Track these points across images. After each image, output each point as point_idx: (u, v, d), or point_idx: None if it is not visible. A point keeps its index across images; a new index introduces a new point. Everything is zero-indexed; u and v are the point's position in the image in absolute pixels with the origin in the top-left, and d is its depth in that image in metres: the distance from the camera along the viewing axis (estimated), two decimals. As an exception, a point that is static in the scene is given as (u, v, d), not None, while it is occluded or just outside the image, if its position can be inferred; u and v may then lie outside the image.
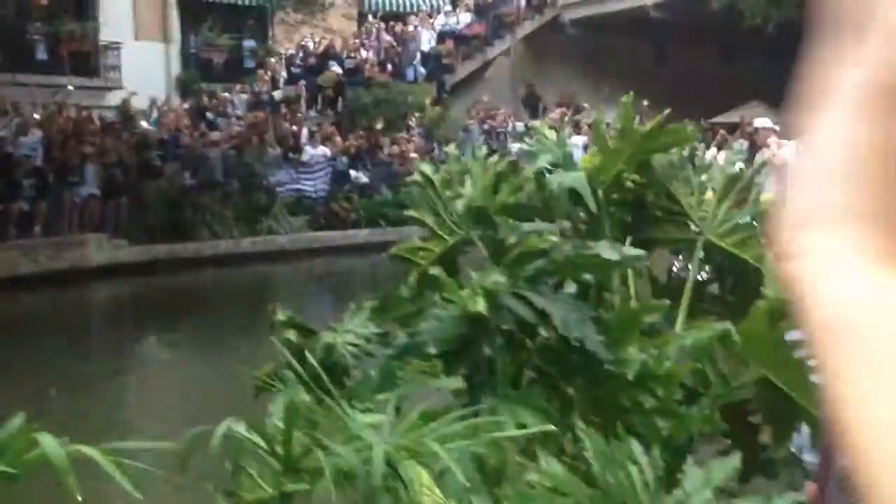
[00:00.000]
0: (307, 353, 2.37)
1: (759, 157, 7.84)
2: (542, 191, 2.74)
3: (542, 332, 2.18)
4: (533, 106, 24.06)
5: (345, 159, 19.43)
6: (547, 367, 2.14)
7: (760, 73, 20.98)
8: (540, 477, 1.62)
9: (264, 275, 15.83)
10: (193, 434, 1.82)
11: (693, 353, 2.14)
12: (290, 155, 18.73)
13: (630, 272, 2.53)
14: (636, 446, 1.75)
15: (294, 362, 2.16)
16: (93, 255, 14.80)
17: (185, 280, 14.72)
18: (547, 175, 2.74)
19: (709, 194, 2.66)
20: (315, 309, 14.01)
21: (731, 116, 18.93)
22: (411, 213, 2.75)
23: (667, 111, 2.67)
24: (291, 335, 2.50)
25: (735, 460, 1.69)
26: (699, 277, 2.65)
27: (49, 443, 1.70)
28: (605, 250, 2.20)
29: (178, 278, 14.71)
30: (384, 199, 18.87)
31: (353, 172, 19.32)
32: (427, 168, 3.05)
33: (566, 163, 2.84)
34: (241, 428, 1.90)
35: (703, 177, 2.66)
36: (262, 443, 1.72)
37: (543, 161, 2.82)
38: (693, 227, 2.63)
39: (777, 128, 10.48)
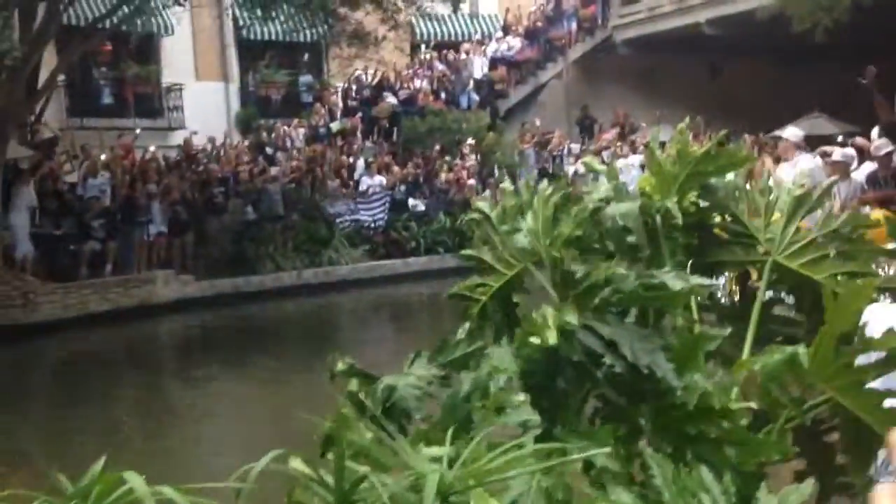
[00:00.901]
0: (366, 399, 2.41)
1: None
2: (598, 226, 2.74)
3: (608, 361, 2.19)
4: (587, 127, 24.02)
5: (402, 188, 19.63)
6: (614, 397, 2.15)
7: (819, 82, 20.66)
8: None
9: (326, 305, 16.03)
10: (245, 469, 1.87)
11: (762, 378, 2.14)
12: (348, 186, 19.00)
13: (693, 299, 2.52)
14: (706, 474, 1.74)
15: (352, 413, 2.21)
16: (161, 291, 15.18)
17: (249, 313, 15.00)
18: (602, 208, 2.75)
19: (776, 215, 2.63)
20: (377, 335, 14.16)
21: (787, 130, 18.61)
22: (469, 251, 2.78)
23: (723, 132, 2.66)
24: (353, 385, 2.53)
25: (809, 486, 1.68)
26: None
27: (136, 482, 1.74)
28: (671, 279, 2.21)
29: (242, 311, 15.00)
30: (442, 226, 18.99)
31: (410, 201, 19.49)
32: (483, 204, 3.09)
33: (618, 195, 2.83)
34: (296, 462, 1.95)
35: (770, 197, 2.63)
36: (314, 475, 1.76)
37: (598, 195, 2.83)
38: (760, 248, 2.60)
39: (798, 140, 9.98)
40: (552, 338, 1.99)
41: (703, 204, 2.76)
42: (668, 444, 2.18)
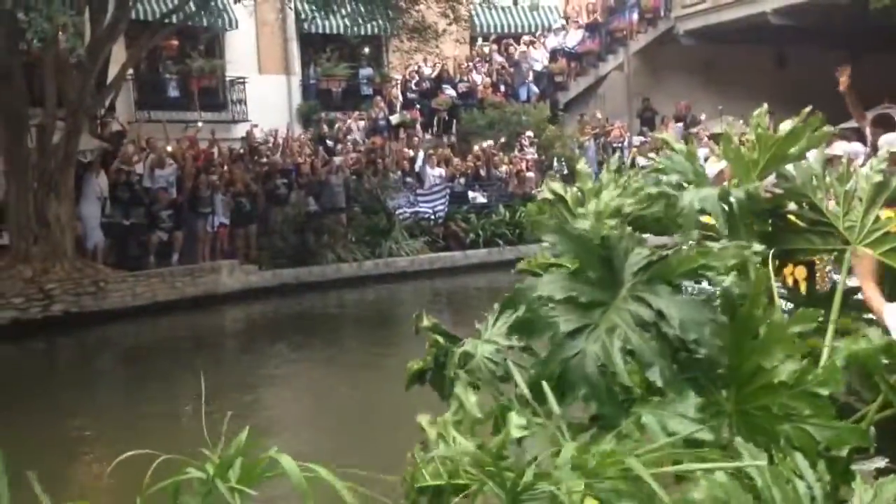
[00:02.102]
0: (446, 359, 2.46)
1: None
2: (671, 208, 2.71)
3: (662, 329, 2.16)
4: (648, 119, 23.75)
5: (462, 180, 19.66)
6: (702, 379, 2.13)
7: (889, 72, 20.08)
8: (707, 485, 1.60)
9: (387, 296, 16.17)
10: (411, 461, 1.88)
11: (852, 365, 2.11)
12: (408, 178, 19.10)
13: (773, 285, 2.49)
14: (801, 459, 1.71)
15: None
16: (225, 280, 15.47)
17: (311, 303, 15.21)
18: (677, 192, 2.72)
19: (854, 203, 2.58)
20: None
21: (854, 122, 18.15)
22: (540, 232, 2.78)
23: (807, 109, 2.61)
24: (439, 339, 2.59)
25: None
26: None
27: (288, 463, 1.72)
28: (725, 248, 2.19)
29: (304, 301, 15.21)
30: (501, 219, 18.99)
31: (470, 193, 19.53)
32: (557, 185, 3.07)
33: (698, 179, 2.80)
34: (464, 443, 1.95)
35: (848, 185, 2.58)
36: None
37: (673, 178, 2.79)
38: (839, 237, 2.56)
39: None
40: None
41: (778, 191, 2.72)
42: (753, 428, 2.16)
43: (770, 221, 2.69)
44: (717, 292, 2.27)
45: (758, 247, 2.25)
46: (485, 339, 2.61)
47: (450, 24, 17.95)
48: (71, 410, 9.24)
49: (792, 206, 2.68)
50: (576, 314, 2.13)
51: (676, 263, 2.17)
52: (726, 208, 2.64)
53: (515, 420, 1.88)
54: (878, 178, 2.52)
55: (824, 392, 2.06)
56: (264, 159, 18.44)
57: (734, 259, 2.19)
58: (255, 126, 19.87)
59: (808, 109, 2.62)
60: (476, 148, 20.53)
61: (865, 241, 2.46)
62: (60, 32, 10.93)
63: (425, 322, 2.51)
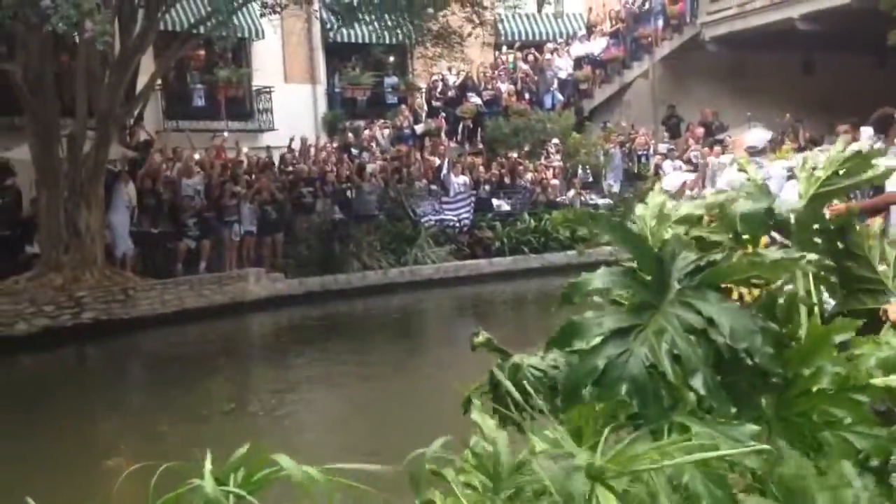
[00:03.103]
0: (499, 374, 2.46)
1: None
2: (726, 221, 2.70)
3: (711, 336, 2.16)
4: (674, 126, 23.66)
5: (487, 188, 19.69)
6: (744, 385, 2.12)
7: (919, 80, 19.87)
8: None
9: (412, 303, 16.20)
10: (412, 456, 1.91)
11: (890, 367, 2.10)
12: (433, 186, 19.14)
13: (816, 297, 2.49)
14: (848, 468, 1.69)
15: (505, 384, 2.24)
16: (252, 288, 15.57)
17: (337, 310, 15.27)
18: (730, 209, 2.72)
19: None
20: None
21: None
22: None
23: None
24: (497, 357, 2.57)
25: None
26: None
27: (287, 463, 1.76)
28: (773, 254, 2.19)
29: (330, 309, 15.28)
30: (527, 227, 18.98)
31: (495, 201, 19.54)
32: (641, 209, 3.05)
33: (756, 195, 2.79)
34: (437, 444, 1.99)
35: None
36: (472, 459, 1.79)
37: (726, 195, 2.80)
38: (889, 296, 2.62)
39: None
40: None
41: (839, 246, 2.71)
42: (793, 435, 2.15)
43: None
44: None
45: (811, 256, 2.24)
46: (533, 353, 2.61)
47: (474, 28, 17.99)
48: (101, 416, 9.35)
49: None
50: (625, 313, 2.13)
51: (727, 270, 2.16)
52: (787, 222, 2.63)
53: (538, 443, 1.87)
54: None
55: (864, 398, 2.04)
56: (290, 168, 18.57)
57: (787, 271, 2.19)
58: (275, 132, 20.00)
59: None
60: (501, 158, 20.56)
61: None
62: (88, 21, 10.94)
63: (480, 338, 2.50)
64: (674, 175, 9.42)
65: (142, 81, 16.07)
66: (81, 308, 13.54)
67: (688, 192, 8.59)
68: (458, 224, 18.65)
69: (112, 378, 11.41)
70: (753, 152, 7.60)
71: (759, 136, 7.78)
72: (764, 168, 7.33)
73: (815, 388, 2.11)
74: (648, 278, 2.14)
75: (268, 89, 21.41)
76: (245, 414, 8.88)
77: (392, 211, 18.10)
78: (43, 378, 11.35)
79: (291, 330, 14.48)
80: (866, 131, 7.65)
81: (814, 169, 2.61)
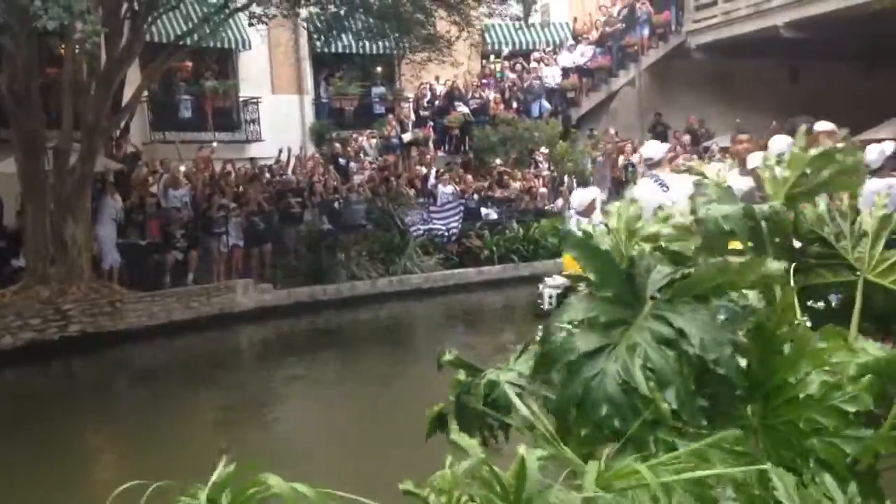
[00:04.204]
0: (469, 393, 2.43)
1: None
2: (699, 228, 2.75)
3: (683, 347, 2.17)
4: (661, 134, 23.73)
5: (475, 197, 19.70)
6: (726, 393, 2.13)
7: (903, 86, 20.02)
8: None
9: (401, 313, 16.17)
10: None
11: (873, 372, 2.10)
12: (422, 196, 19.15)
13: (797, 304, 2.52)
14: (830, 482, 1.69)
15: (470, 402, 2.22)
16: (240, 299, 15.51)
17: (326, 320, 15.22)
18: (702, 213, 2.76)
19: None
20: (451, 342, 14.23)
21: (880, 132, 18.09)
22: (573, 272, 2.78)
23: (844, 131, 2.69)
24: (461, 375, 2.56)
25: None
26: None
27: (277, 483, 1.73)
28: (740, 260, 2.22)
29: (319, 319, 15.23)
30: (515, 235, 18.99)
31: (483, 210, 19.55)
32: (587, 226, 3.12)
33: (723, 197, 2.84)
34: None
35: (855, 223, 2.71)
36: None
37: (703, 200, 2.83)
38: (848, 270, 2.70)
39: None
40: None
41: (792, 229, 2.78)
42: (779, 443, 2.16)
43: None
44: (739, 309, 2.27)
45: (778, 264, 2.27)
46: (508, 368, 2.60)
47: (461, 32, 18.01)
48: (87, 431, 9.28)
49: (795, 243, 2.77)
50: (595, 334, 2.15)
51: (697, 280, 2.19)
52: (753, 228, 2.67)
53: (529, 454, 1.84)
54: (882, 212, 2.64)
55: (852, 409, 2.05)
56: (277, 178, 18.54)
57: (755, 275, 2.21)
58: (262, 142, 19.96)
59: (845, 131, 2.75)
60: (490, 166, 20.59)
61: (875, 271, 2.58)
62: (78, 22, 10.87)
63: (447, 356, 2.48)
64: (580, 191, 9.32)
65: (128, 93, 16.03)
66: (68, 321, 13.46)
67: (598, 209, 8.43)
68: (446, 233, 18.65)
69: (99, 391, 11.33)
70: (651, 164, 7.48)
71: (655, 148, 7.67)
72: (663, 181, 7.22)
73: (801, 396, 2.12)
74: (612, 292, 2.15)
75: (255, 100, 21.40)
76: (233, 426, 8.83)
77: (380, 221, 18.09)
78: (29, 392, 11.26)
79: (280, 341, 14.42)
80: (784, 139, 7.62)
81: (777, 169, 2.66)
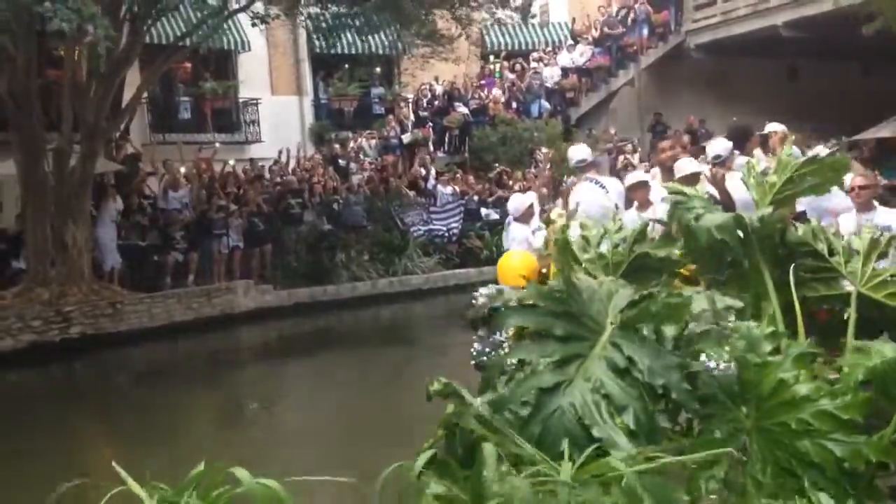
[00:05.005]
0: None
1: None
2: (693, 241, 2.80)
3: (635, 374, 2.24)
4: (660, 133, 23.73)
5: (475, 197, 19.70)
6: (721, 397, 2.17)
7: (902, 86, 20.02)
8: None
9: (402, 313, 16.19)
10: (386, 473, 1.91)
11: (867, 380, 2.13)
12: (422, 196, 19.16)
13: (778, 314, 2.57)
14: (827, 500, 1.73)
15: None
16: (241, 300, 15.53)
17: (326, 321, 15.24)
18: (695, 222, 2.80)
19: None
20: (450, 341, 14.24)
21: (880, 131, 18.09)
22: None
23: (832, 142, 2.77)
24: (450, 408, 2.52)
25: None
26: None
27: (242, 474, 1.79)
28: (698, 301, 2.29)
29: (320, 320, 15.25)
30: (515, 235, 18.99)
31: (483, 210, 19.56)
32: (564, 235, 3.17)
33: (708, 207, 2.92)
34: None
35: (844, 241, 2.83)
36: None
37: (690, 214, 2.89)
38: (843, 283, 2.82)
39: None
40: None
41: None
42: (772, 444, 2.18)
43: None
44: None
45: (729, 301, 2.39)
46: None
47: (461, 33, 18.02)
48: (86, 432, 9.29)
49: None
50: (549, 372, 2.22)
51: (649, 312, 2.27)
52: (741, 235, 2.71)
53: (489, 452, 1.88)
54: (874, 234, 2.79)
55: (845, 416, 2.08)
56: (277, 179, 18.55)
57: (704, 307, 2.32)
58: (263, 144, 19.95)
59: (833, 143, 2.85)
60: (488, 165, 20.59)
61: (868, 285, 2.70)
62: (89, 25, 10.89)
63: (435, 385, 2.48)
64: (517, 196, 9.05)
65: (128, 95, 16.04)
66: (69, 323, 13.47)
67: (536, 215, 8.24)
68: (446, 234, 18.66)
69: (99, 393, 11.34)
70: (583, 166, 7.41)
71: (583, 151, 7.59)
72: (601, 182, 7.19)
73: (796, 397, 2.14)
74: (560, 332, 2.22)
75: (254, 101, 21.41)
76: (234, 426, 8.86)
77: (380, 221, 18.10)
78: (29, 394, 11.27)
79: (281, 342, 14.44)
80: (721, 142, 7.59)
81: (765, 175, 2.70)
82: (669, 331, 2.35)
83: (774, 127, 8.10)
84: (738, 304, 2.47)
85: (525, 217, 8.08)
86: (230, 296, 15.49)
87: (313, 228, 17.23)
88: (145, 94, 17.88)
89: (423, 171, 19.95)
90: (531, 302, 2.48)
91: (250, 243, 16.48)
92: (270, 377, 11.56)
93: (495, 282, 6.81)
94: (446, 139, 22.22)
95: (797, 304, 2.51)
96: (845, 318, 2.64)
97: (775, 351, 2.34)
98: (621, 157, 21.48)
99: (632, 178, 7.07)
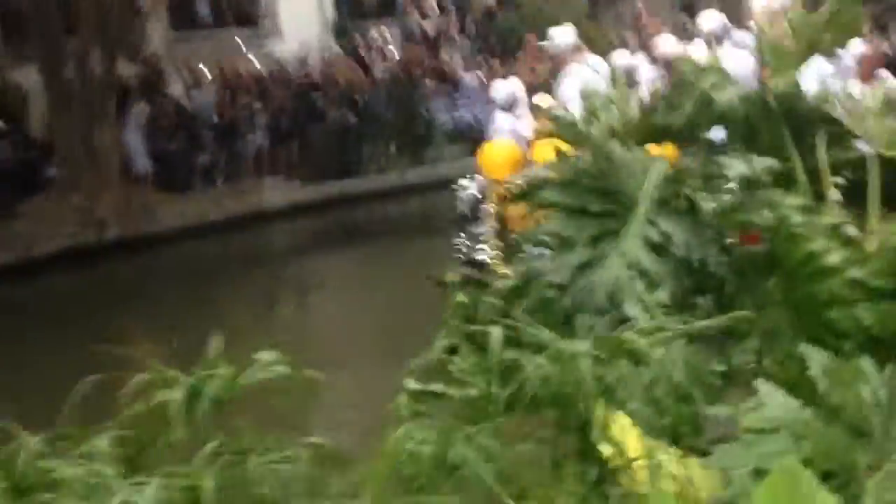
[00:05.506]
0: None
1: None
2: (708, 108, 2.73)
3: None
4: (694, 11, 22.93)
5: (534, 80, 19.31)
6: (751, 270, 2.16)
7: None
8: (749, 419, 1.61)
9: (430, 204, 16.18)
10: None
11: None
12: (446, 85, 18.85)
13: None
14: (867, 364, 1.68)
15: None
16: (270, 197, 15.61)
17: (357, 215, 15.33)
18: (715, 94, 2.72)
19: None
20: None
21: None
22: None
23: None
24: (461, 297, 2.51)
25: None
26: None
27: (270, 358, 1.79)
28: (736, 164, 2.23)
29: (350, 213, 15.33)
30: (544, 120, 18.75)
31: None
32: (563, 112, 3.08)
33: (728, 81, 2.82)
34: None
35: (856, 102, 2.69)
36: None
37: (706, 83, 2.80)
38: (859, 145, 2.71)
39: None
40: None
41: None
42: (802, 314, 2.17)
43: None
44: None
45: (765, 161, 2.31)
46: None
47: None
48: (129, 333, 9.52)
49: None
50: (584, 249, 2.18)
51: (691, 182, 2.22)
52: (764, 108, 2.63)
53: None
54: (884, 91, 2.67)
55: (874, 283, 2.05)
56: (300, 74, 18.31)
57: (742, 170, 2.25)
58: (282, 38, 19.58)
59: None
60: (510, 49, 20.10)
61: (886, 145, 2.60)
62: None
63: (449, 276, 2.45)
64: (501, 82, 8.51)
65: (145, -6, 15.79)
66: (103, 227, 13.66)
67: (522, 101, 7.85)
68: (473, 121, 18.42)
69: (140, 294, 11.59)
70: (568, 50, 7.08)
71: (567, 33, 7.22)
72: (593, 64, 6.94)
73: (825, 266, 2.12)
74: (597, 208, 2.17)
75: (273, -7, 20.90)
76: (272, 318, 9.06)
77: (405, 112, 17.89)
78: (69, 297, 11.53)
79: (313, 237, 14.58)
80: (713, 15, 7.25)
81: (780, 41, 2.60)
82: (706, 203, 2.30)
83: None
84: (776, 162, 2.39)
85: (510, 105, 7.73)
86: (259, 193, 15.57)
87: (338, 122, 17.10)
88: (161, -8, 17.56)
89: (448, 59, 19.57)
90: (567, 178, 2.43)
91: (277, 141, 16.43)
92: (302, 273, 11.73)
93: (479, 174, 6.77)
94: (470, 25, 21.67)
95: (826, 172, 2.46)
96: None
97: (807, 218, 2.30)
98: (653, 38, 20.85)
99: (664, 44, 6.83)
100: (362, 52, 20.11)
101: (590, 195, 2.36)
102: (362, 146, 16.94)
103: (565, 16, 20.95)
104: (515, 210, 6.52)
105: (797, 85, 2.57)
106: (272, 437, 1.67)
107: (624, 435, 1.76)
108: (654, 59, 6.43)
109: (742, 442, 1.56)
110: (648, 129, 2.67)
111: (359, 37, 20.71)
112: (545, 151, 6.05)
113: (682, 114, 2.63)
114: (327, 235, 14.37)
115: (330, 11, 22.12)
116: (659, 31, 20.94)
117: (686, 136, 2.67)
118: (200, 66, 17.08)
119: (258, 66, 18.16)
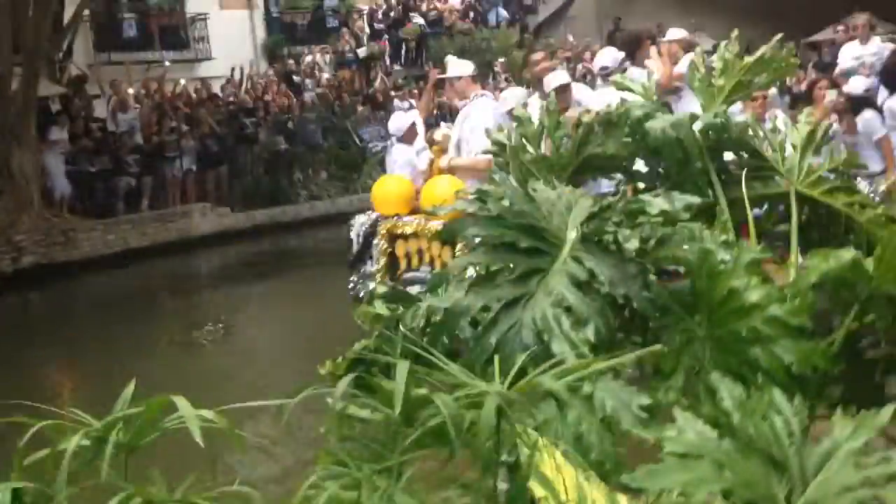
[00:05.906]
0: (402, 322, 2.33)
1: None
2: (643, 140, 2.71)
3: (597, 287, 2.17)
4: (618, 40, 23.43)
5: (436, 112, 19.37)
6: (676, 308, 2.10)
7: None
8: (670, 444, 1.54)
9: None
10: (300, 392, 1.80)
11: (826, 282, 2.06)
12: (378, 112, 18.79)
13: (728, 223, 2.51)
14: (778, 394, 1.66)
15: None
16: (198, 224, 15.26)
17: (287, 242, 15.08)
18: (647, 123, 2.70)
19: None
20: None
21: (830, 33, 17.94)
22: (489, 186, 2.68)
23: (778, 36, 2.62)
24: (382, 308, 2.42)
25: (889, 410, 1.59)
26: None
27: (185, 407, 1.66)
28: (657, 202, 2.22)
29: (280, 241, 15.07)
30: (475, 148, 18.80)
31: (442, 124, 19.26)
32: (499, 136, 3.05)
33: (662, 110, 2.82)
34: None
35: (780, 136, 2.72)
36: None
37: (640, 111, 2.78)
38: (780, 181, 2.74)
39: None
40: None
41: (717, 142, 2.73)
42: (725, 352, 2.12)
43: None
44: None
45: (689, 198, 2.31)
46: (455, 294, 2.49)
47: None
48: (42, 361, 9.14)
49: (728, 155, 2.77)
50: (510, 286, 2.13)
51: (615, 219, 2.20)
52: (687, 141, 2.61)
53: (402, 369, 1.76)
54: (808, 128, 2.68)
55: (794, 322, 2.03)
56: (230, 98, 18.05)
57: (664, 207, 2.25)
58: (213, 62, 19.34)
59: (779, 36, 2.67)
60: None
61: (805, 181, 2.62)
62: None
63: (380, 289, 2.34)
64: (399, 115, 8.49)
65: (69, 13, 15.38)
66: (20, 252, 13.15)
67: (420, 135, 7.90)
68: (406, 149, 18.39)
69: (55, 322, 11.16)
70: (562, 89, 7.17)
71: (560, 76, 7.27)
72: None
73: (747, 304, 2.07)
74: (525, 244, 2.10)
75: (203, 16, 20.67)
76: (193, 349, 8.77)
77: (337, 138, 17.75)
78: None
79: (240, 265, 14.25)
80: (610, 52, 7.43)
81: (710, 79, 2.59)
82: (630, 242, 2.25)
83: (675, 34, 7.92)
84: (696, 199, 2.37)
85: (408, 137, 7.64)
86: (187, 220, 15.20)
87: (269, 148, 16.86)
88: (87, 12, 17.16)
89: (380, 86, 19.54)
90: (491, 213, 2.33)
91: (205, 165, 16.10)
92: (229, 301, 11.43)
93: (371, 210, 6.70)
94: (403, 52, 21.73)
95: (748, 208, 2.42)
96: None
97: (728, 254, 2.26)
98: (580, 66, 21.18)
99: (554, 80, 6.78)
100: (294, 76, 19.96)
101: (517, 231, 2.30)
102: (293, 172, 16.71)
103: (499, 46, 21.27)
104: (403, 248, 6.44)
105: (725, 116, 2.55)
106: (185, 485, 1.52)
107: (557, 473, 1.66)
108: (543, 94, 6.44)
109: (665, 466, 1.50)
110: (580, 160, 2.61)
111: (291, 60, 20.56)
112: (437, 187, 5.95)
113: (614, 144, 2.59)
114: (255, 264, 14.07)
115: (261, 34, 21.96)
116: (590, 60, 21.41)
117: (617, 168, 2.62)
118: (126, 87, 16.69)
119: (187, 88, 17.84)
